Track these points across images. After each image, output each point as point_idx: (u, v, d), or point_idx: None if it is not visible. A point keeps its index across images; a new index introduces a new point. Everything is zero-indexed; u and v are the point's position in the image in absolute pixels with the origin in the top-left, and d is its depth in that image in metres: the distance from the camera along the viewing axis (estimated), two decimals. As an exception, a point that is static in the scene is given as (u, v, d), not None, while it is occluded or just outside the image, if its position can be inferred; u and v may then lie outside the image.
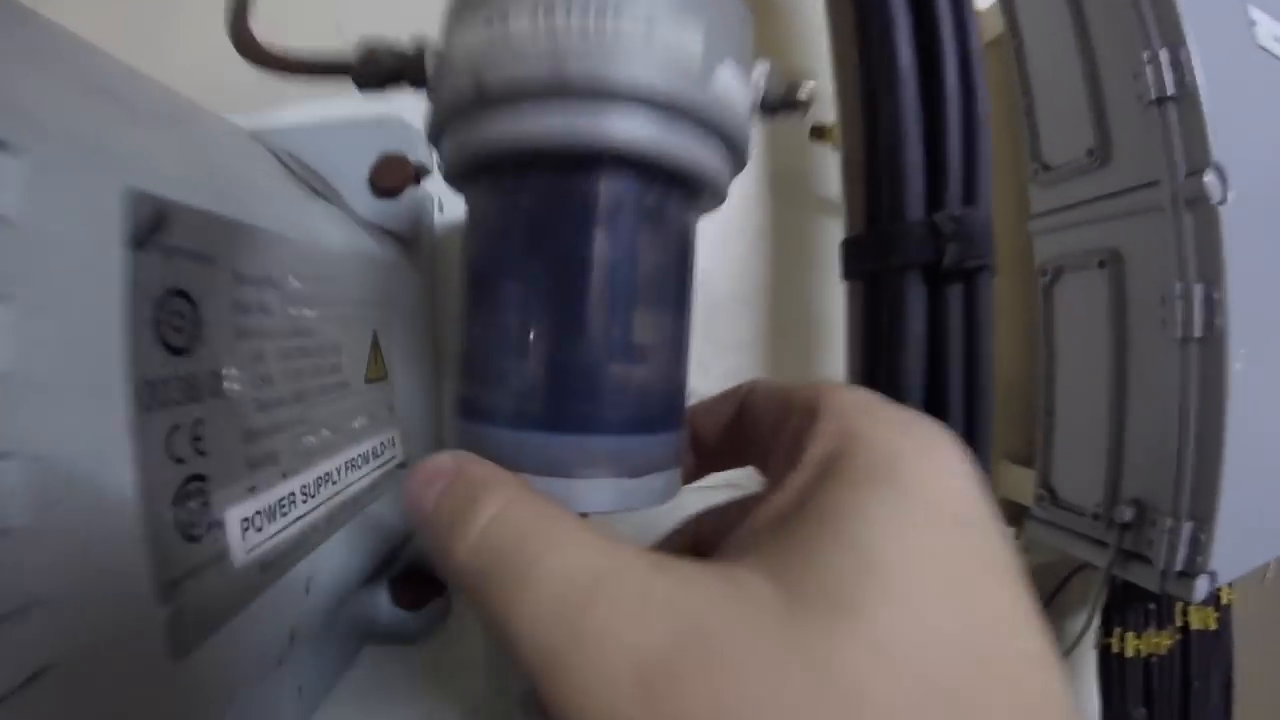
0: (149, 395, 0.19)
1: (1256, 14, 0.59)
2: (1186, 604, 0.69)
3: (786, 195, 0.43)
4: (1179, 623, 0.70)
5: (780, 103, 0.21)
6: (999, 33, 0.64)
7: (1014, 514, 0.65)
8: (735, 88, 0.17)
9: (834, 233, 0.39)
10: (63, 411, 0.16)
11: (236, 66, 0.24)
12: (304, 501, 0.26)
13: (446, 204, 0.38)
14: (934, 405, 0.36)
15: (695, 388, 0.21)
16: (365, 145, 0.32)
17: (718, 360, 0.46)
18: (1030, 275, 0.60)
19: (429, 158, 0.32)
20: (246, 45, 0.24)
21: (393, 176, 0.31)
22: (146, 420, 0.19)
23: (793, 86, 0.21)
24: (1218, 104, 0.50)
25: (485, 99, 0.16)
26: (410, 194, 0.32)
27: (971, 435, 0.36)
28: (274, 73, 0.24)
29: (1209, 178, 0.48)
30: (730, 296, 0.45)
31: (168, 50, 0.44)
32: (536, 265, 0.17)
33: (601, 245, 0.16)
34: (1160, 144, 0.50)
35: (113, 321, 0.18)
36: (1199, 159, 0.48)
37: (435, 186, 0.36)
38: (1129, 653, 0.68)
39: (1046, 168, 0.58)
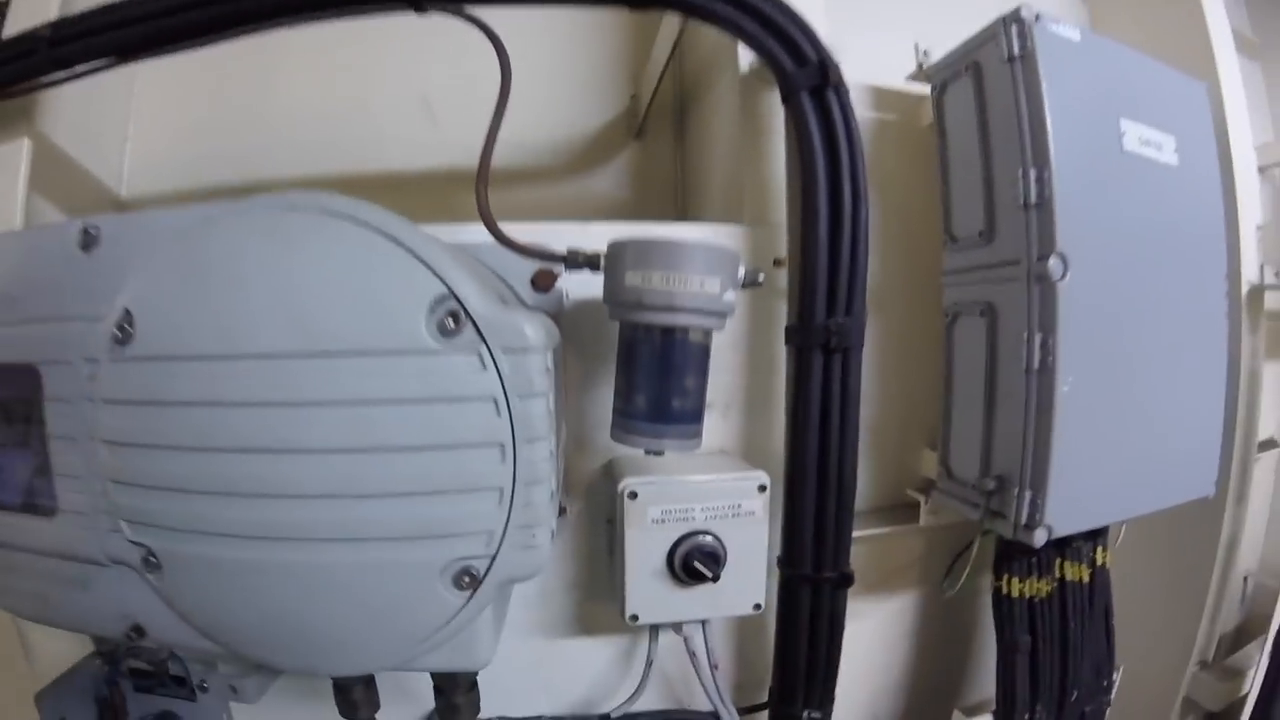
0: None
1: (1125, 124, 0.83)
2: (1062, 560, 0.94)
3: (759, 297, 0.69)
4: (1057, 575, 0.95)
5: (751, 282, 0.50)
6: (931, 120, 0.88)
7: (926, 486, 0.92)
8: (731, 295, 0.47)
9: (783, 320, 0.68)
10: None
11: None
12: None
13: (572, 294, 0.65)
14: (824, 428, 0.64)
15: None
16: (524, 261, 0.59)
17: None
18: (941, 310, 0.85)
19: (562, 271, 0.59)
20: (486, 218, 0.53)
21: (546, 280, 0.58)
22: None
23: (754, 274, 0.50)
24: (1073, 206, 0.74)
25: (637, 304, 0.45)
26: (555, 290, 0.60)
27: (841, 449, 0.64)
28: (502, 244, 0.53)
29: (1052, 262, 0.73)
30: (725, 362, 0.70)
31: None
32: (651, 355, 0.46)
33: (676, 354, 0.46)
34: (1023, 236, 0.74)
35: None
36: (1047, 248, 0.73)
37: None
38: (1014, 594, 0.93)
39: (954, 239, 0.84)
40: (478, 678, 0.60)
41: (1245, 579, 1.28)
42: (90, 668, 0.70)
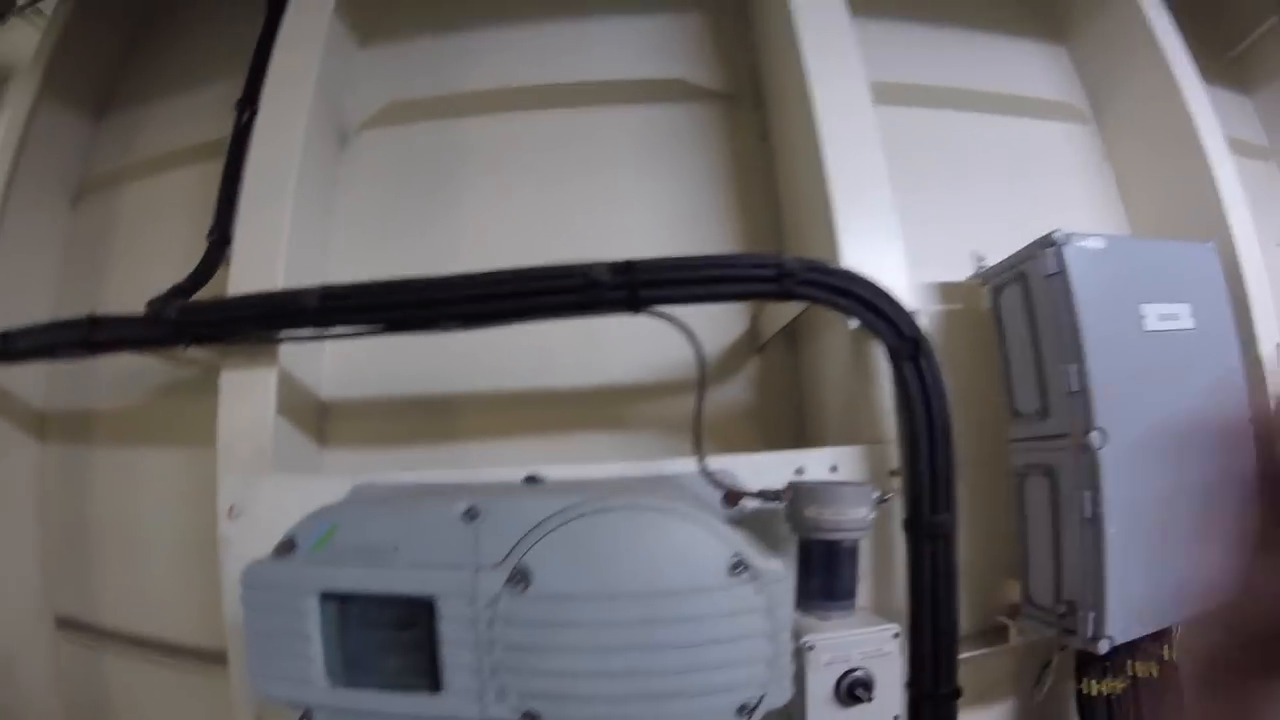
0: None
1: (1145, 309, 1.42)
2: (1133, 660, 1.50)
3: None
4: (1130, 673, 1.51)
5: (881, 501, 1.08)
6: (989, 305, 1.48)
7: (1011, 610, 1.49)
8: (872, 515, 1.05)
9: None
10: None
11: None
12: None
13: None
14: (934, 593, 1.22)
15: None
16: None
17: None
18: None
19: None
20: (701, 465, 1.10)
21: (734, 500, 1.14)
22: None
23: (883, 497, 1.08)
24: (1106, 389, 1.33)
25: (815, 527, 1.03)
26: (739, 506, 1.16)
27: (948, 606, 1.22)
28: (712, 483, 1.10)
29: (1093, 435, 1.31)
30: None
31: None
32: (821, 557, 1.05)
33: (839, 557, 1.07)
34: (1069, 415, 1.33)
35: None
36: (1089, 425, 1.31)
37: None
38: (1093, 693, 1.50)
39: (1017, 414, 1.42)
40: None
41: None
42: None
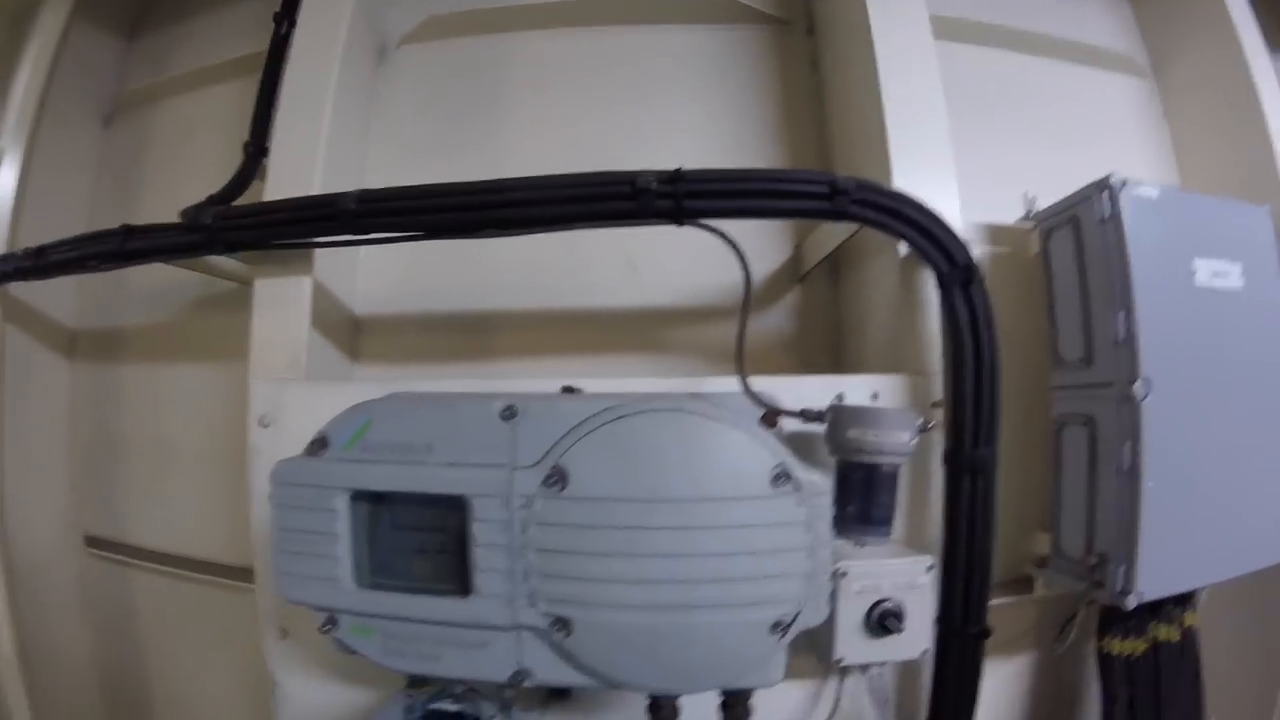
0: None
1: (1197, 263, 1.40)
2: (1155, 623, 1.50)
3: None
4: (1151, 636, 1.51)
5: (923, 429, 1.07)
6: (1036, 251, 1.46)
7: (1041, 560, 1.49)
8: (914, 441, 1.04)
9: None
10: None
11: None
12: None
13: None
14: (970, 527, 1.22)
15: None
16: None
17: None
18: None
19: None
20: (745, 385, 1.10)
21: (771, 420, 1.13)
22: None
23: (926, 425, 1.07)
24: (1154, 340, 1.31)
25: (857, 449, 1.02)
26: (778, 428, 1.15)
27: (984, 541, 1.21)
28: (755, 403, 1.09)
29: (1138, 386, 1.30)
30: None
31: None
32: (861, 481, 1.04)
33: (879, 482, 1.05)
34: (1114, 363, 1.31)
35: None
36: (1134, 375, 1.30)
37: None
38: (1114, 652, 1.50)
39: (1060, 361, 1.41)
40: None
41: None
42: (393, 712, 1.23)
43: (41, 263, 1.71)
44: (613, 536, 0.95)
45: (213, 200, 1.68)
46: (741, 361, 1.21)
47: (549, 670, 1.01)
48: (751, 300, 1.26)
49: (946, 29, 1.76)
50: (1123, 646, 1.50)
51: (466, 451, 1.02)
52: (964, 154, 1.48)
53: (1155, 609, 1.49)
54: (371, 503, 1.07)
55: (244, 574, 1.83)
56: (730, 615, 0.95)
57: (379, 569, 1.07)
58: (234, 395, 1.83)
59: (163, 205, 1.65)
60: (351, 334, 1.86)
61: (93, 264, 1.65)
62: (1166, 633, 1.52)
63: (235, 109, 2.03)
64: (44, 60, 2.13)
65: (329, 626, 1.08)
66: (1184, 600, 1.53)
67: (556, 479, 0.97)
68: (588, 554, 0.96)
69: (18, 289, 2.00)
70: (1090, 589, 1.40)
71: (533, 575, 0.98)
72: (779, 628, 0.96)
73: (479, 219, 1.32)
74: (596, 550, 0.96)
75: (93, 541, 2.20)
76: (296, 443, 1.33)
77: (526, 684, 1.03)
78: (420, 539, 1.07)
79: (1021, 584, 1.57)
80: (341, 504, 1.05)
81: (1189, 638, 1.55)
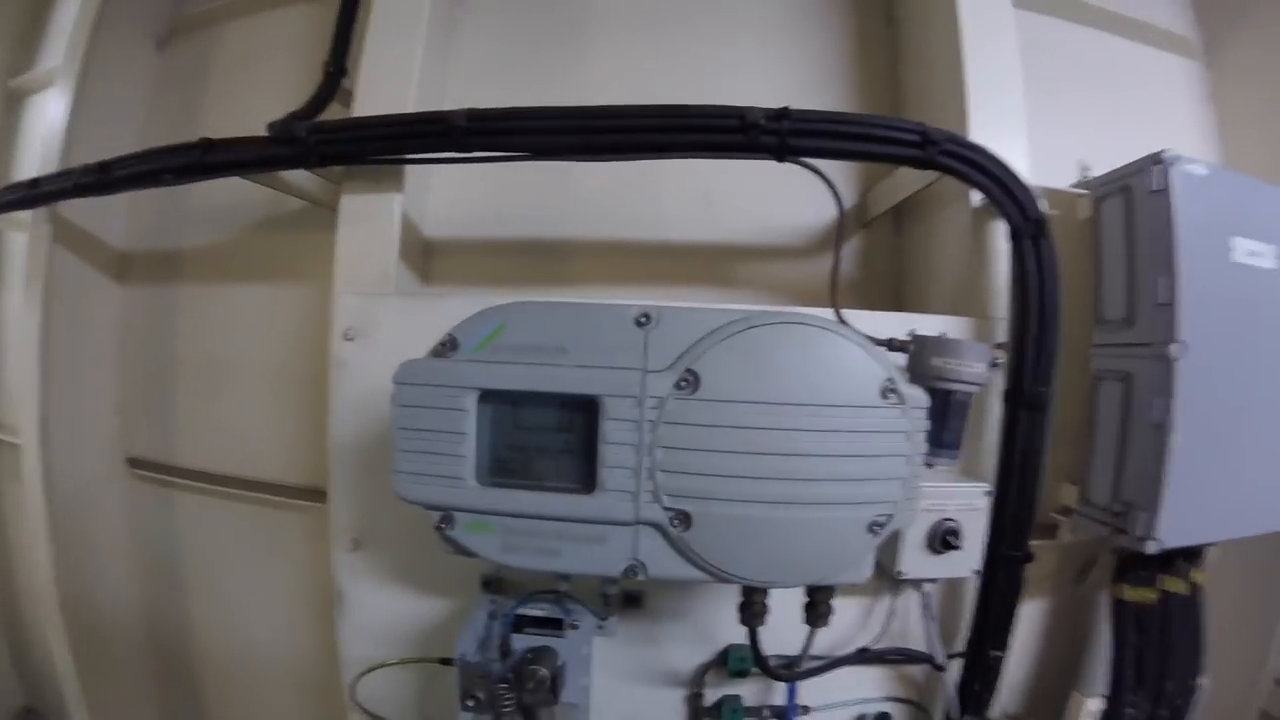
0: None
1: (1235, 240, 1.58)
2: (1166, 576, 1.69)
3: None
4: (1161, 587, 1.70)
5: (994, 364, 1.24)
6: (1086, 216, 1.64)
7: (1065, 510, 1.67)
8: (988, 373, 1.20)
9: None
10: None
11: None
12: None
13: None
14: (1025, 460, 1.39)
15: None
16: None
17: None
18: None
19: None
20: (839, 317, 1.25)
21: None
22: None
23: (998, 360, 1.23)
24: (1192, 306, 1.49)
25: (938, 377, 1.18)
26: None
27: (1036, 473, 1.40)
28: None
29: (1174, 347, 1.48)
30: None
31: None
32: (939, 406, 1.22)
33: (955, 407, 1.21)
34: (1154, 325, 1.49)
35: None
36: (1170, 336, 1.48)
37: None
38: (1127, 599, 1.68)
39: (1102, 320, 1.58)
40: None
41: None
42: (479, 620, 1.35)
43: (106, 178, 1.76)
44: (738, 436, 1.08)
45: (296, 117, 1.73)
46: (835, 291, 1.37)
47: (662, 564, 1.14)
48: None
49: (1024, -1, 1.91)
50: (1135, 594, 1.69)
51: (600, 355, 1.13)
52: (1029, 117, 1.65)
53: (1166, 563, 1.67)
54: (499, 403, 1.18)
55: (303, 493, 1.94)
56: (837, 512, 1.09)
57: (501, 468, 1.19)
58: (302, 313, 1.94)
59: (222, 129, 1.70)
60: (423, 256, 1.94)
61: (168, 178, 1.70)
62: (1175, 585, 1.71)
63: (297, 32, 2.13)
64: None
65: (444, 525, 1.18)
66: (1192, 556, 1.71)
67: (689, 381, 1.10)
68: (713, 451, 1.09)
69: (68, 210, 2.06)
70: (1114, 534, 1.58)
71: (658, 471, 1.10)
72: (876, 527, 1.11)
73: (589, 142, 1.44)
74: (722, 448, 1.09)
75: (138, 463, 2.27)
76: (386, 355, 1.43)
77: (639, 578, 1.15)
78: (546, 438, 1.18)
79: (1046, 531, 1.74)
80: (470, 403, 1.16)
81: (1196, 593, 1.75)
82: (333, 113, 1.81)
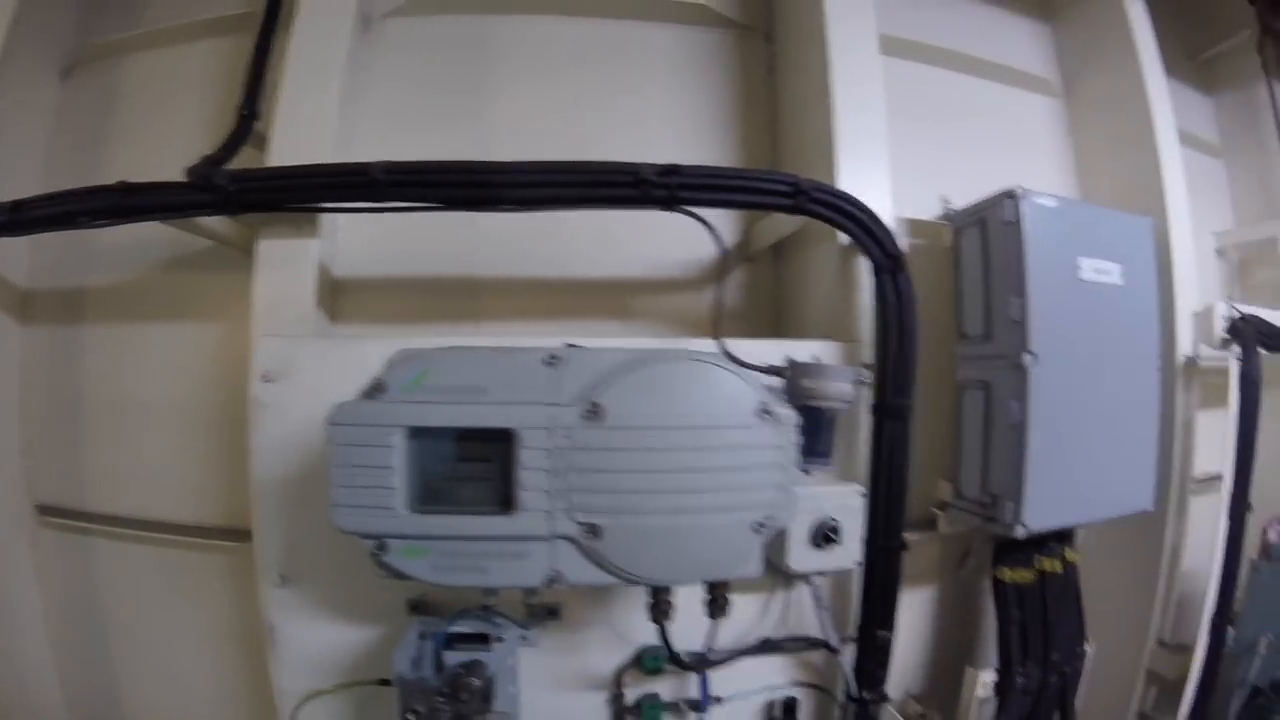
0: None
1: (1082, 260, 1.87)
2: (1040, 556, 1.96)
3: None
4: (1037, 567, 1.97)
5: (860, 383, 1.49)
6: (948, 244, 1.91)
7: (942, 504, 1.94)
8: (853, 391, 1.46)
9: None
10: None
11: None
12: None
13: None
14: (891, 461, 1.65)
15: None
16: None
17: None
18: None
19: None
20: (722, 347, 1.49)
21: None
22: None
23: (864, 379, 1.49)
24: (1042, 321, 1.76)
25: (810, 396, 1.43)
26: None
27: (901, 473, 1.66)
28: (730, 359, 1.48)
29: (1026, 357, 1.75)
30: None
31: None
32: (810, 422, 1.50)
33: (824, 422, 1.50)
34: (1009, 339, 1.76)
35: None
36: (1024, 347, 1.75)
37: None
38: (1007, 580, 1.95)
39: (964, 335, 1.85)
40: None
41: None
42: (412, 641, 1.52)
43: (19, 218, 1.72)
44: (637, 457, 1.30)
45: (210, 161, 1.81)
46: (719, 324, 1.61)
47: (579, 572, 1.34)
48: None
49: (892, 46, 2.18)
50: (1014, 575, 1.95)
51: (515, 392, 1.33)
52: (895, 157, 1.90)
53: (1040, 545, 1.95)
54: (426, 438, 1.35)
55: (222, 533, 2.01)
56: (724, 517, 1.32)
57: (429, 496, 1.36)
58: (214, 353, 2.02)
59: (130, 163, 1.78)
60: (332, 294, 2.01)
61: (84, 220, 1.71)
62: (1050, 565, 1.98)
63: (206, 67, 2.21)
64: (6, 10, 2.10)
65: (380, 551, 1.34)
66: (1063, 538, 2.00)
67: (595, 412, 1.30)
68: (617, 471, 1.30)
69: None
70: (985, 523, 1.85)
71: (570, 492, 1.30)
72: (759, 527, 1.33)
73: (493, 195, 1.63)
74: (624, 468, 1.30)
75: (47, 510, 2.21)
76: (305, 397, 1.60)
77: (558, 586, 1.34)
78: (470, 468, 1.36)
79: (927, 524, 2.01)
80: (399, 440, 1.33)
81: (1070, 571, 2.02)
82: (245, 156, 1.90)
